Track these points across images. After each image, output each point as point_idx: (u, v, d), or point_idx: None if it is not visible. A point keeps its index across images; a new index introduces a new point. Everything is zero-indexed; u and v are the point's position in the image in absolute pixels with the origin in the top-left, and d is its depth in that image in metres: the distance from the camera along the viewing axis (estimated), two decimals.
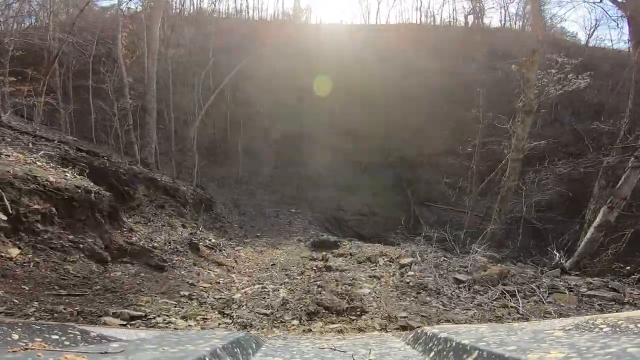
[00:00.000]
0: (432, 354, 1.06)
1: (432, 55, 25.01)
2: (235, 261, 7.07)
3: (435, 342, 1.09)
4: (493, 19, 78.42)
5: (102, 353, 0.85)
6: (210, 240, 7.81)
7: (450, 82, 22.12)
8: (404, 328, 3.70)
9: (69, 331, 1.06)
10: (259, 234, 10.51)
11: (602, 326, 1.06)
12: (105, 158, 8.78)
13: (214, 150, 17.90)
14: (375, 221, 15.01)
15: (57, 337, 0.98)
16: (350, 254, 7.80)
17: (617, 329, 1.00)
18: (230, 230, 10.18)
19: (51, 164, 6.30)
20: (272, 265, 6.97)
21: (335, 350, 1.23)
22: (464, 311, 4.43)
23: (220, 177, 15.90)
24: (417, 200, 16.43)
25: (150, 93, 10.73)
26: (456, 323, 3.86)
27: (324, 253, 7.86)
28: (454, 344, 0.96)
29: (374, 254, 7.36)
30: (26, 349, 0.81)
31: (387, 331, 3.61)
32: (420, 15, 31.03)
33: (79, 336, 1.05)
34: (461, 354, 0.89)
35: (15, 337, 0.89)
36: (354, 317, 4.12)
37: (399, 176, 17.44)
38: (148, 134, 10.60)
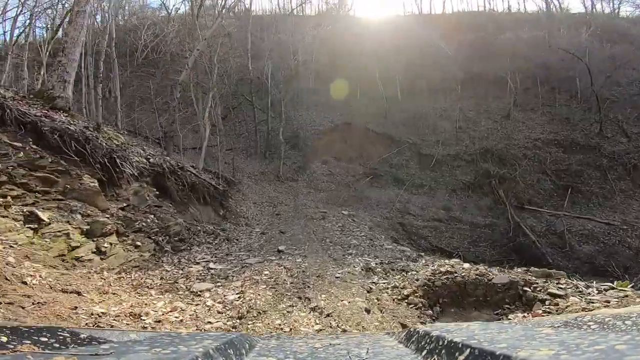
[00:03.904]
0: (424, 352, 1.02)
1: (506, 39, 20.96)
2: None
3: (428, 341, 1.05)
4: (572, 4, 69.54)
5: (92, 355, 0.82)
6: None
7: (536, 66, 17.73)
8: None
9: (59, 333, 1.04)
10: (282, 248, 5.94)
11: (590, 323, 1.06)
12: None
13: (254, 143, 15.60)
14: (456, 229, 11.10)
15: (46, 339, 0.96)
16: None
17: (605, 326, 1.01)
18: (241, 238, 6.73)
19: None
20: None
21: (328, 349, 1.20)
22: None
23: (259, 173, 13.40)
24: (513, 203, 12.08)
25: (77, 9, 7.23)
26: None
27: None
28: (446, 342, 0.94)
29: None
30: (15, 351, 0.79)
31: None
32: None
33: (68, 338, 1.03)
34: (453, 351, 0.87)
35: (4, 339, 0.87)
36: None
37: (484, 172, 13.24)
38: (63, 51, 7.16)
